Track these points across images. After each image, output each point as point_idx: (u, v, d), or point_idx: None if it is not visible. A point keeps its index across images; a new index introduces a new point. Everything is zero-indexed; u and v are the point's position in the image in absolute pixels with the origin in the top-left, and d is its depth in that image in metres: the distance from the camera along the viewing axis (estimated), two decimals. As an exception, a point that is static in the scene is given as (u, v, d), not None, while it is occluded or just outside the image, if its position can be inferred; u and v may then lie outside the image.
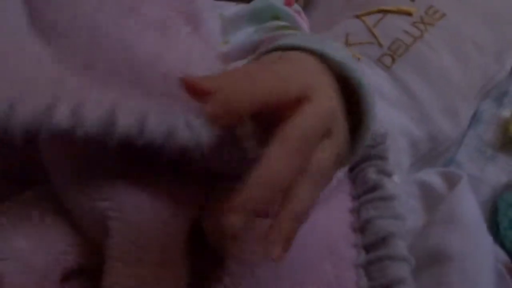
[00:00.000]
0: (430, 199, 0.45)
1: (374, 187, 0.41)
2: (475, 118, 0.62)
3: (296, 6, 0.57)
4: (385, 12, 0.56)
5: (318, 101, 0.27)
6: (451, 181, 0.46)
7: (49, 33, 0.36)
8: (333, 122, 0.28)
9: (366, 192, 0.41)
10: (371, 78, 0.53)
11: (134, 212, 0.32)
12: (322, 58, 0.30)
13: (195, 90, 0.25)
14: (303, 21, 0.56)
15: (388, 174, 0.42)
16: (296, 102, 0.27)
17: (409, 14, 0.54)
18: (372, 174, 0.42)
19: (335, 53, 0.31)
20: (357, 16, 0.58)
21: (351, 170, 0.44)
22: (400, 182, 0.50)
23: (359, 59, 0.54)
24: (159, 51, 0.36)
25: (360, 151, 0.33)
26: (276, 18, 0.54)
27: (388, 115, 0.52)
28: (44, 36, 0.37)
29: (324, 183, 0.28)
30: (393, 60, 0.53)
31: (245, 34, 0.51)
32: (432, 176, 0.47)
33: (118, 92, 0.32)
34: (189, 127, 0.29)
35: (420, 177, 0.48)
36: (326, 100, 0.28)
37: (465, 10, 0.54)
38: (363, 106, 0.31)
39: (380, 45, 0.54)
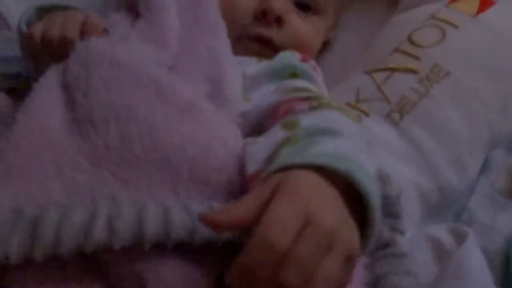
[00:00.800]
0: (440, 254, 0.47)
1: (388, 244, 0.43)
2: (486, 166, 0.64)
3: (312, 62, 0.61)
4: (393, 70, 0.59)
5: (317, 223, 0.31)
6: (459, 237, 0.48)
7: (85, 123, 0.42)
8: (334, 237, 0.31)
9: (379, 249, 0.44)
10: (380, 133, 0.56)
11: (170, 273, 0.36)
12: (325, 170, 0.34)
13: (213, 224, 0.31)
14: (319, 76, 0.59)
15: (401, 232, 0.44)
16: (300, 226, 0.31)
17: (415, 72, 0.58)
18: (386, 232, 0.44)
19: (340, 162, 0.35)
20: (367, 72, 0.61)
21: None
22: (412, 235, 0.52)
23: (368, 115, 0.57)
24: (186, 136, 0.40)
25: (371, 242, 0.35)
26: (294, 75, 0.57)
27: (397, 169, 0.54)
28: (80, 126, 0.42)
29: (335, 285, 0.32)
30: (401, 116, 0.56)
31: (265, 92, 0.54)
32: (441, 232, 0.49)
33: (148, 185, 0.37)
34: None
35: (430, 232, 0.50)
36: (326, 219, 0.32)
37: (469, 67, 0.57)
38: (368, 214, 0.35)
39: (388, 101, 0.57)
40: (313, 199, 0.32)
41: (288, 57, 0.58)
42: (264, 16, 0.60)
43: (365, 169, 0.36)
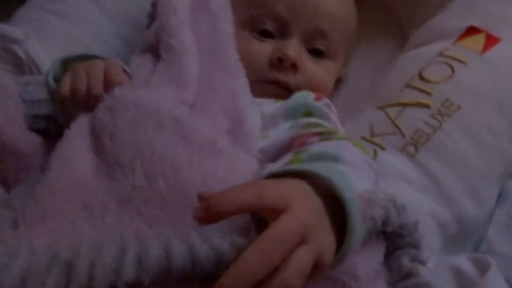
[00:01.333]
0: (463, 284, 0.48)
1: (409, 274, 0.44)
2: (502, 196, 0.65)
3: (325, 100, 0.64)
4: (405, 105, 0.62)
5: (292, 213, 0.35)
6: (482, 267, 0.48)
7: (113, 165, 0.45)
8: (308, 232, 0.35)
9: (401, 279, 0.45)
10: (397, 165, 0.58)
11: None
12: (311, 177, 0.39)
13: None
14: (333, 113, 0.62)
15: (422, 262, 0.45)
16: (275, 212, 0.35)
17: (427, 106, 0.60)
18: (406, 262, 0.45)
19: (322, 169, 0.39)
20: (380, 108, 0.64)
21: (386, 257, 0.47)
22: (433, 265, 0.53)
23: (384, 148, 0.60)
24: (208, 173, 0.43)
25: (347, 255, 0.38)
26: (309, 113, 0.61)
27: (415, 200, 0.56)
28: (108, 168, 0.45)
29: (299, 280, 0.34)
30: (416, 149, 0.58)
31: (281, 130, 0.57)
32: (463, 262, 0.50)
33: (172, 222, 0.41)
34: (234, 246, 0.37)
35: (452, 261, 0.51)
36: (302, 213, 0.36)
37: (479, 102, 0.59)
38: (347, 221, 0.38)
39: (403, 135, 0.59)
40: (296, 195, 0.37)
41: (303, 97, 0.62)
42: (280, 62, 0.63)
43: (346, 179, 0.40)
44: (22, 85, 0.58)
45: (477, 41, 0.62)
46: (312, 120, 0.57)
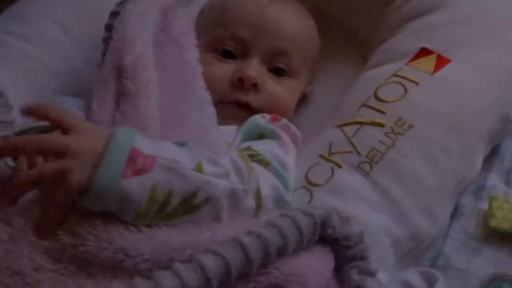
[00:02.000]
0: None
1: None
2: (457, 211, 0.67)
3: (283, 121, 0.66)
4: (361, 123, 0.63)
5: (68, 135, 0.47)
6: (430, 281, 0.50)
7: None
8: (68, 153, 0.45)
9: (351, 294, 0.45)
10: (352, 183, 0.59)
11: None
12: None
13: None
14: (290, 133, 0.64)
15: (370, 273, 0.46)
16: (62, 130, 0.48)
17: (381, 125, 0.62)
18: (354, 275, 0.46)
19: (125, 130, 0.48)
20: (338, 126, 0.65)
21: (336, 272, 0.48)
22: (386, 280, 0.54)
23: (341, 166, 0.61)
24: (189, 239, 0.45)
25: (99, 189, 0.45)
26: (262, 135, 0.63)
27: (369, 217, 0.57)
28: None
29: (37, 176, 0.45)
30: (371, 167, 0.60)
31: None
32: (413, 276, 0.51)
33: (112, 271, 0.44)
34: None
35: (402, 276, 0.52)
36: (75, 139, 0.46)
37: (431, 120, 0.61)
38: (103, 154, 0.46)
39: (358, 153, 0.61)
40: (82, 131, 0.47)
41: (256, 120, 0.64)
42: (241, 82, 0.65)
43: (132, 135, 0.47)
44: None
45: (429, 62, 0.65)
46: (247, 144, 0.59)
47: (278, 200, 0.53)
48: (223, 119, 0.62)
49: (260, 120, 0.63)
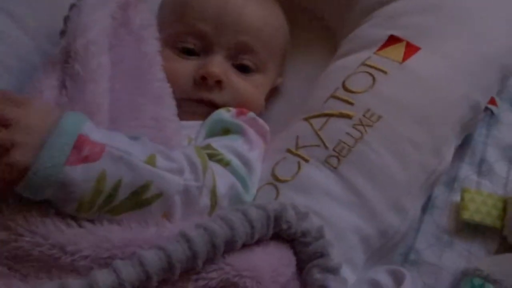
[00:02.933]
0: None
1: None
2: (429, 204, 0.65)
3: (250, 114, 0.63)
4: (329, 115, 0.61)
5: (21, 106, 0.45)
6: (398, 279, 0.48)
7: None
8: (16, 124, 0.44)
9: (314, 295, 0.43)
10: (319, 178, 0.56)
11: None
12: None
13: None
14: (258, 127, 0.62)
15: (332, 270, 0.44)
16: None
17: (349, 117, 0.59)
18: (317, 275, 0.44)
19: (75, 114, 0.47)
20: (305, 119, 0.63)
21: (300, 272, 0.46)
22: (354, 279, 0.52)
23: (307, 160, 0.58)
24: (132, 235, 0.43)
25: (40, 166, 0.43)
26: (227, 130, 0.60)
27: (337, 214, 0.55)
28: None
29: None
30: (339, 161, 0.57)
31: None
32: (381, 275, 0.49)
33: (46, 272, 0.43)
34: None
35: (370, 275, 0.50)
36: (26, 112, 0.45)
37: (399, 111, 0.59)
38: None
39: (326, 147, 0.58)
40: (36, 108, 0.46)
41: (220, 114, 0.61)
42: (204, 80, 0.62)
43: (79, 121, 0.45)
44: None
45: (398, 50, 0.62)
46: (208, 141, 0.56)
47: (236, 200, 0.51)
48: (187, 115, 0.60)
49: (225, 114, 0.60)
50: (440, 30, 0.63)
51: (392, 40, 0.63)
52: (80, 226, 0.43)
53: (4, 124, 0.43)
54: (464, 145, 0.65)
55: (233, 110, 0.62)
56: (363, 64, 0.63)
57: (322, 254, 0.45)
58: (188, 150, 0.51)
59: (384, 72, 0.61)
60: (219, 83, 0.62)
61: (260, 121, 0.63)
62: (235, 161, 0.54)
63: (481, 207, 0.61)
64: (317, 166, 0.57)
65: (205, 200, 0.48)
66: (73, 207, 0.43)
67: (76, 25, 0.57)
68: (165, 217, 0.46)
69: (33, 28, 0.69)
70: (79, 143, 0.43)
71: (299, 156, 0.59)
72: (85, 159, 0.43)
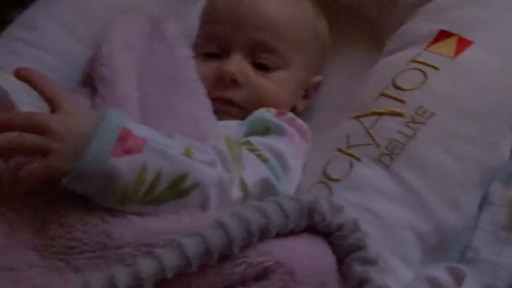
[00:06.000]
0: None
1: (362, 282, 0.44)
2: (486, 201, 0.64)
3: (289, 115, 0.64)
4: (379, 114, 0.61)
5: (55, 114, 0.47)
6: (458, 277, 0.47)
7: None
8: (51, 130, 0.46)
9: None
10: (372, 177, 0.57)
11: None
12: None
13: None
14: (297, 126, 0.62)
15: (372, 262, 0.44)
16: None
17: (401, 115, 0.59)
18: (356, 268, 0.44)
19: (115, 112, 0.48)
20: (355, 118, 0.63)
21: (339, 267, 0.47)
22: (410, 276, 0.52)
23: (359, 159, 0.59)
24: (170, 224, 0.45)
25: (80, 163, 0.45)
26: (267, 129, 0.61)
27: (391, 212, 0.55)
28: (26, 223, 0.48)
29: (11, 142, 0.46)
30: (392, 159, 0.57)
31: None
32: (440, 272, 0.49)
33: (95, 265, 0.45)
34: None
35: (429, 272, 0.50)
36: (60, 119, 0.46)
37: (452, 108, 0.58)
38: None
39: (377, 145, 0.58)
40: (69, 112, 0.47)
41: (261, 113, 0.62)
42: (221, 80, 0.63)
43: (121, 117, 0.47)
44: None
45: (449, 45, 0.61)
46: (253, 139, 0.58)
47: (269, 194, 0.51)
48: (221, 115, 0.62)
49: (265, 114, 0.62)
50: (490, 22, 0.62)
51: (443, 34, 0.62)
52: (122, 217, 0.45)
53: (40, 131, 0.45)
54: (521, 140, 0.63)
55: (273, 110, 0.63)
56: (413, 60, 0.62)
57: (359, 247, 0.45)
58: (217, 142, 0.53)
59: (436, 68, 0.60)
60: (234, 81, 0.63)
61: (299, 120, 0.64)
62: (273, 160, 0.55)
63: (541, 202, 0.59)
64: (369, 164, 0.58)
65: (237, 191, 0.50)
66: (117, 198, 0.45)
67: (103, 36, 0.61)
68: (201, 209, 0.48)
69: (87, 40, 0.72)
70: (123, 136, 0.45)
71: (350, 155, 0.59)
72: (129, 151, 0.45)
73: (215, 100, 0.62)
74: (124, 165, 0.44)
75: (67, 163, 0.44)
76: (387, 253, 0.53)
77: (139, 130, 0.47)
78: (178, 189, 0.46)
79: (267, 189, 0.53)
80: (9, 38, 0.70)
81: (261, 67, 0.66)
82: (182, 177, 0.46)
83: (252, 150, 0.55)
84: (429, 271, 0.50)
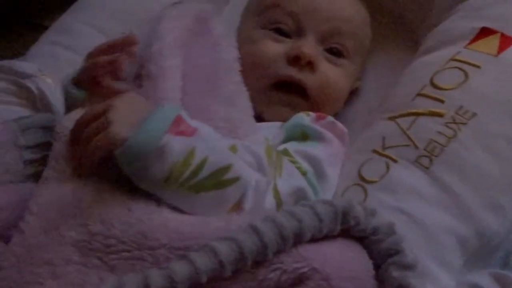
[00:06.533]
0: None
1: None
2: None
3: (329, 118, 0.63)
4: (417, 114, 0.59)
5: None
6: (504, 284, 0.45)
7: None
8: (113, 107, 0.49)
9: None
10: (409, 179, 0.55)
11: None
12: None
13: None
14: (337, 130, 0.61)
15: (410, 267, 0.43)
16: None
17: (440, 115, 0.57)
18: (394, 273, 0.43)
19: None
20: (391, 118, 0.61)
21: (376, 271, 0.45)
22: (452, 282, 0.49)
23: (396, 161, 0.57)
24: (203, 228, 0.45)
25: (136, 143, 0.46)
26: (305, 134, 0.60)
27: (431, 215, 0.53)
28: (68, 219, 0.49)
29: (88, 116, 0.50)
30: (431, 160, 0.55)
31: None
32: (484, 279, 0.46)
33: (131, 265, 0.45)
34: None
35: (472, 279, 0.47)
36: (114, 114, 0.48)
37: (495, 108, 0.56)
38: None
39: (416, 147, 0.56)
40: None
41: (300, 118, 0.61)
42: (297, 60, 0.63)
43: (169, 111, 0.48)
44: (20, 129, 0.57)
45: (491, 43, 0.59)
46: (291, 148, 0.57)
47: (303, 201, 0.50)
48: (270, 111, 0.62)
49: (305, 119, 0.61)
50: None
51: (485, 32, 0.60)
52: (159, 217, 0.46)
53: (104, 112, 0.48)
54: None
55: (312, 114, 0.62)
56: (453, 59, 0.60)
57: (396, 251, 0.44)
58: (255, 147, 0.52)
59: (477, 67, 0.58)
60: (310, 64, 0.63)
61: (339, 124, 0.63)
62: (311, 172, 0.55)
63: None
64: (406, 166, 0.56)
65: (270, 197, 0.50)
66: (163, 176, 0.46)
67: (153, 33, 0.61)
68: (236, 208, 0.48)
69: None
70: (178, 120, 0.48)
71: (386, 156, 0.58)
72: (181, 133, 0.47)
73: (283, 81, 0.63)
74: (176, 144, 0.46)
75: (125, 131, 0.46)
76: (426, 258, 0.51)
77: (192, 121, 0.50)
78: (219, 180, 0.47)
79: (302, 199, 0.52)
80: (47, 42, 0.72)
81: (331, 53, 0.66)
82: (225, 169, 0.47)
83: (292, 162, 0.54)
84: (473, 277, 0.48)
